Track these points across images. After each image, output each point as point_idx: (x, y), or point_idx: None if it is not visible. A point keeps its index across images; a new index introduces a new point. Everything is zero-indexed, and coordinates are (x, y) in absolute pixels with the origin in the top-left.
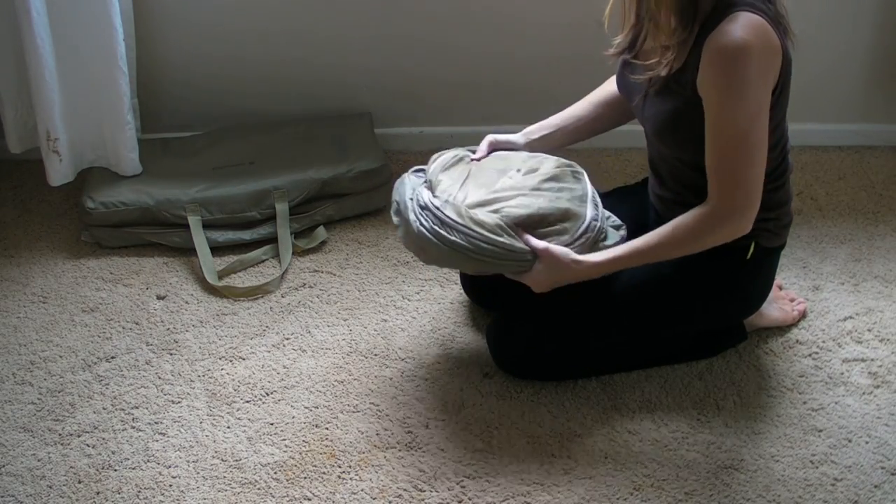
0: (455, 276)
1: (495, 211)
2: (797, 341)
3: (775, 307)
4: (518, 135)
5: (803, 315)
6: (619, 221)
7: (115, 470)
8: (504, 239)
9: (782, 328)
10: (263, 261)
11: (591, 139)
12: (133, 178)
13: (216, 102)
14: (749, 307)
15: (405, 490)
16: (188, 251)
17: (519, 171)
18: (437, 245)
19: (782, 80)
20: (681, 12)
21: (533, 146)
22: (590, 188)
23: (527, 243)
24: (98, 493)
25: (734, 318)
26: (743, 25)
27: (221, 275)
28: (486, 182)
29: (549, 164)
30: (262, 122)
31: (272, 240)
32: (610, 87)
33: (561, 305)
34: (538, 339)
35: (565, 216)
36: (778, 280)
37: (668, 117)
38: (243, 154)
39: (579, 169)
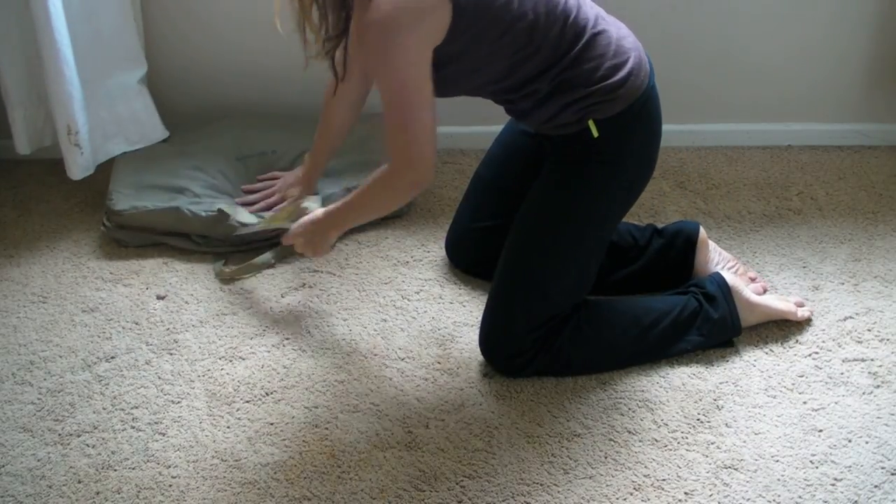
0: (454, 276)
1: None
2: (797, 341)
3: (752, 287)
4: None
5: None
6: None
7: (115, 470)
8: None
9: (783, 328)
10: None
11: None
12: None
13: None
14: (648, 168)
15: (405, 490)
16: (188, 251)
17: None
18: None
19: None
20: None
21: (311, 176)
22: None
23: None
24: (98, 493)
25: (643, 182)
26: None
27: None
28: None
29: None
30: (281, 116)
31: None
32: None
33: (505, 265)
34: (521, 329)
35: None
36: (751, 273)
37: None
38: (265, 144)
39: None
